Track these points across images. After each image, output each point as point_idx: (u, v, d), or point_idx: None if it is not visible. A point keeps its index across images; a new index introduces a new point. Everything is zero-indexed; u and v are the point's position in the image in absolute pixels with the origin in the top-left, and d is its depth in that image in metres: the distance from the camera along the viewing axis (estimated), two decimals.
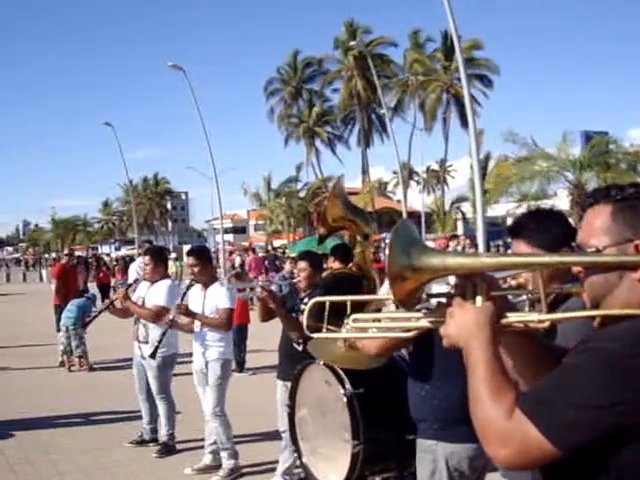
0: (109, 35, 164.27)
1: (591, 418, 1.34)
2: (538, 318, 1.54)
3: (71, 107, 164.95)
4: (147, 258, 6.55)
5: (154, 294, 6.35)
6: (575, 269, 1.58)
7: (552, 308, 2.43)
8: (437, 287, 2.03)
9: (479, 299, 1.56)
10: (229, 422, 5.75)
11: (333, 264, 5.45)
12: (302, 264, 5.19)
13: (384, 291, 5.14)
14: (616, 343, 1.37)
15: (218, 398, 5.68)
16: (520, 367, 1.72)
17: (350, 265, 5.24)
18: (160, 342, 5.89)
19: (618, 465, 1.39)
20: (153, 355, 5.91)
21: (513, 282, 1.70)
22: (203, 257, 6.05)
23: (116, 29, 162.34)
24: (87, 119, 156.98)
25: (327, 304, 2.78)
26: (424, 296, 1.71)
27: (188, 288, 6.03)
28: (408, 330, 1.77)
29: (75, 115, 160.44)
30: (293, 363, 4.88)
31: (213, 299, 5.76)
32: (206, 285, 5.84)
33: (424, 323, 1.69)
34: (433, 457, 3.12)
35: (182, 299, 5.90)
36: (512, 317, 1.57)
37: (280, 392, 5.29)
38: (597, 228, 1.53)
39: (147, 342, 6.25)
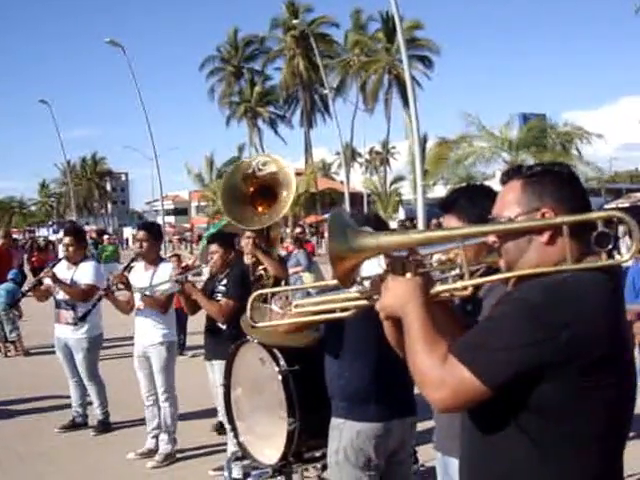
0: (44, 8, 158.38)
1: (516, 356, 1.53)
2: (462, 284, 1.73)
3: (4, 83, 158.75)
4: (69, 239, 6.42)
5: (81, 274, 6.29)
6: (490, 239, 1.77)
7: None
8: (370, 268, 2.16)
9: (409, 274, 1.74)
10: (177, 405, 5.76)
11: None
12: (213, 247, 5.32)
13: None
14: (533, 293, 1.57)
15: (168, 381, 5.66)
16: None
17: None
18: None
19: (537, 401, 1.56)
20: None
21: (443, 257, 1.86)
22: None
23: (52, 2, 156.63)
24: (21, 96, 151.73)
25: (269, 295, 2.90)
26: (359, 279, 1.85)
27: (132, 261, 5.96)
28: (346, 309, 1.92)
29: (8, 92, 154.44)
30: (218, 343, 5.05)
31: (160, 279, 5.59)
32: (153, 263, 5.71)
33: (361, 301, 1.86)
34: (339, 435, 3.12)
35: (124, 271, 5.77)
36: (439, 287, 1.77)
37: (210, 373, 5.37)
38: (509, 201, 1.73)
39: (75, 324, 6.14)
